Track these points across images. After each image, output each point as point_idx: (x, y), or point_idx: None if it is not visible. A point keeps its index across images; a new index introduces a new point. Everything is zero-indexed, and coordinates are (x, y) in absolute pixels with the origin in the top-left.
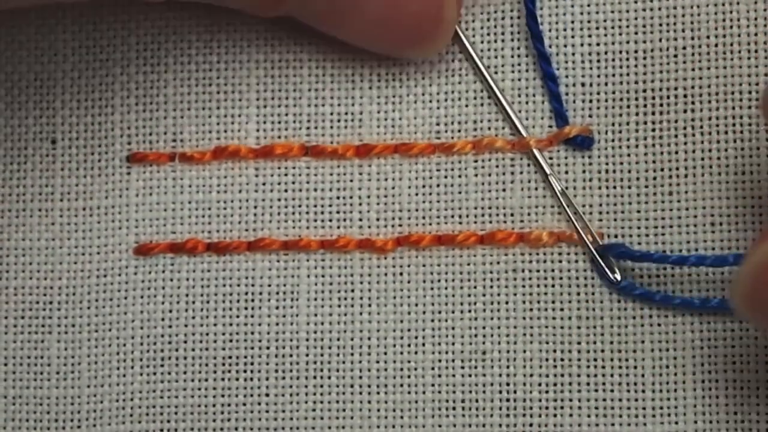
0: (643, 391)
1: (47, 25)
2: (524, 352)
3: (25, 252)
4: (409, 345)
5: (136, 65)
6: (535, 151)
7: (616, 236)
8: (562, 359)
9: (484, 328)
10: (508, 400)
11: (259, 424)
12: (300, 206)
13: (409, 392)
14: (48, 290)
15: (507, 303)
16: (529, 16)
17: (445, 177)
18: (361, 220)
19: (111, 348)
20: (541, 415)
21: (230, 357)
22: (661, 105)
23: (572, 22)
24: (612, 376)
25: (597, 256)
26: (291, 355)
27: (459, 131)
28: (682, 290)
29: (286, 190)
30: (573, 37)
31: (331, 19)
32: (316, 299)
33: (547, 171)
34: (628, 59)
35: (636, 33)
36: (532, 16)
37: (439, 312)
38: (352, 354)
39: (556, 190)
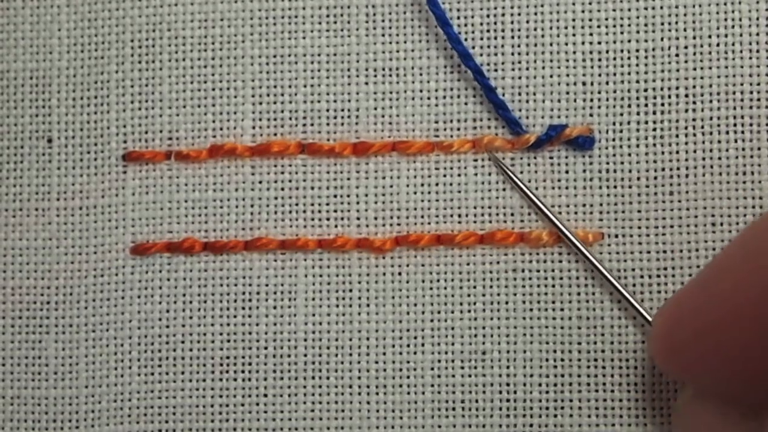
0: (644, 392)
1: (42, 23)
2: (524, 352)
3: (21, 252)
4: (408, 345)
5: (131, 62)
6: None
7: (617, 236)
8: (562, 359)
9: (483, 328)
10: (508, 400)
11: (258, 425)
12: (297, 205)
13: (408, 393)
14: (45, 290)
15: (507, 303)
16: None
17: (444, 176)
18: (359, 219)
19: (108, 348)
20: (541, 415)
21: (228, 357)
22: (663, 104)
23: (573, 20)
24: (612, 376)
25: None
26: (289, 356)
27: (458, 129)
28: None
29: (282, 189)
30: (574, 35)
31: None
32: (314, 299)
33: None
34: (629, 58)
35: (638, 32)
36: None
37: (439, 312)
38: (350, 354)
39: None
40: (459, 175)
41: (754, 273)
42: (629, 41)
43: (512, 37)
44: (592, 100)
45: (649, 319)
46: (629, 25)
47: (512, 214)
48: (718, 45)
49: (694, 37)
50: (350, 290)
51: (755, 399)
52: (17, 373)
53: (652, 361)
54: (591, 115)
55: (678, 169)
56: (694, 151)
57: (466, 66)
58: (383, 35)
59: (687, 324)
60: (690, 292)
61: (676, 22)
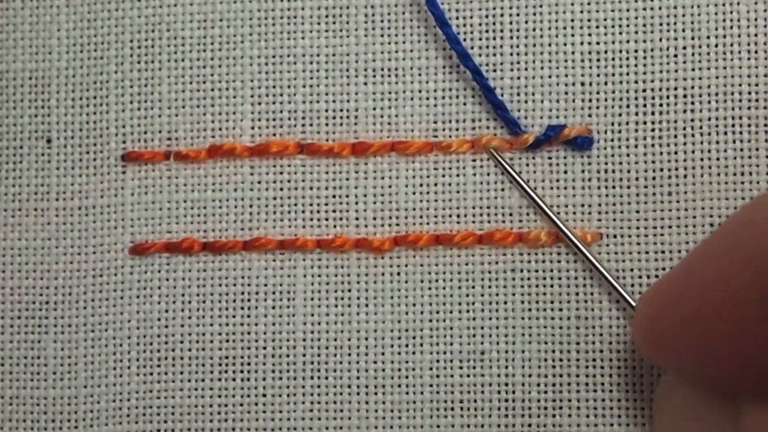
0: (642, 392)
1: (42, 23)
2: (523, 352)
3: (21, 252)
4: (406, 345)
5: (130, 63)
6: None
7: (615, 236)
8: (560, 359)
9: (482, 328)
10: (506, 400)
11: (256, 425)
12: (296, 205)
13: (407, 392)
14: (44, 290)
15: (505, 303)
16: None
17: (443, 176)
18: (357, 219)
19: (107, 348)
20: (539, 415)
21: (227, 357)
22: (661, 105)
23: (572, 20)
24: (610, 376)
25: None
26: (288, 356)
27: (457, 129)
28: None
29: (281, 189)
30: (573, 35)
31: None
32: (312, 299)
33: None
34: (628, 59)
35: (636, 32)
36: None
37: (437, 312)
38: (349, 354)
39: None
40: (458, 175)
41: (736, 263)
42: (628, 42)
43: (511, 38)
44: (590, 100)
45: None
46: (628, 26)
47: (511, 214)
48: (716, 46)
49: (693, 38)
50: (349, 290)
51: (734, 386)
52: (16, 373)
53: (635, 347)
54: (590, 115)
55: (676, 169)
56: (693, 152)
57: (465, 66)
58: (382, 35)
59: (669, 312)
60: (673, 280)
61: (675, 23)
